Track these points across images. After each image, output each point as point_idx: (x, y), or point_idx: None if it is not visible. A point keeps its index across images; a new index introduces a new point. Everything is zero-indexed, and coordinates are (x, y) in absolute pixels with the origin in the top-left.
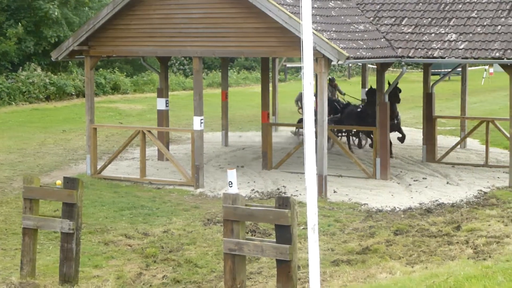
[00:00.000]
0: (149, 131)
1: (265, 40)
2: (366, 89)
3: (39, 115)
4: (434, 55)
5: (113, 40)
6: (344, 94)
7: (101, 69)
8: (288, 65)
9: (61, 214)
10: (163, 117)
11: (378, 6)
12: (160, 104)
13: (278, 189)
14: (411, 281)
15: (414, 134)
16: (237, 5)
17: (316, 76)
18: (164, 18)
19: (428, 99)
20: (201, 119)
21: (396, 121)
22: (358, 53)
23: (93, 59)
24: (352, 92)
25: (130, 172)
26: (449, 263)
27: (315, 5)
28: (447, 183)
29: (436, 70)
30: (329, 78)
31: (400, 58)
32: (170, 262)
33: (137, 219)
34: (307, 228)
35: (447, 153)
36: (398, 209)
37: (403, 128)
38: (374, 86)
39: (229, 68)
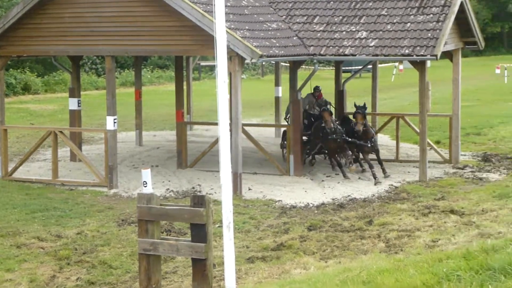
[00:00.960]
0: (61, 132)
1: (178, 38)
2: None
3: None
4: (346, 52)
5: (24, 40)
6: (330, 105)
7: (11, 69)
8: (202, 63)
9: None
10: (75, 117)
11: (290, 5)
12: (72, 104)
13: (193, 188)
14: (324, 276)
15: None
16: (149, 3)
17: (230, 74)
18: (75, 17)
19: (339, 96)
20: (114, 119)
21: (370, 144)
22: (271, 51)
23: (3, 59)
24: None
25: (42, 174)
26: (362, 257)
27: (228, 4)
28: (359, 178)
29: (348, 68)
30: (314, 87)
31: (312, 56)
32: (84, 264)
33: (49, 221)
34: (222, 226)
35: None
36: (311, 205)
37: None
38: (287, 84)
39: (142, 66)
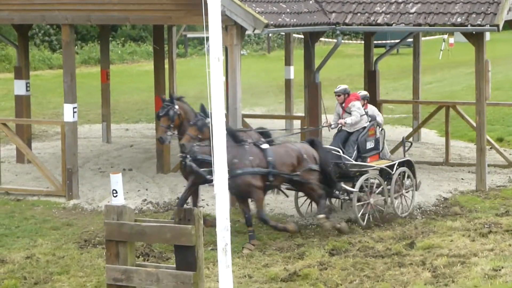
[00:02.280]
0: (4, 124)
1: (157, 2)
2: None
3: None
4: (378, 21)
5: None
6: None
7: None
8: (189, 35)
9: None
10: (22, 105)
11: None
12: (19, 87)
13: (178, 198)
14: None
15: None
16: None
17: (226, 50)
18: None
19: (370, 78)
20: (74, 108)
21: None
22: (280, 19)
23: None
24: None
25: None
26: None
27: None
28: None
29: (381, 41)
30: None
31: (334, 26)
32: None
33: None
34: (216, 249)
35: (396, 148)
36: (334, 220)
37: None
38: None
39: (110, 39)
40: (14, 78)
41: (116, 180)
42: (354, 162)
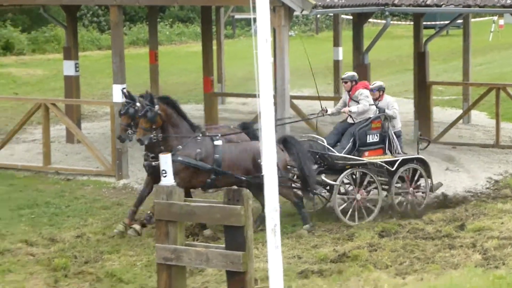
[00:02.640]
0: (54, 104)
1: None
2: None
3: None
4: (427, 2)
5: None
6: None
7: None
8: (237, 16)
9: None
10: (71, 85)
11: None
12: (68, 68)
13: None
14: None
15: (403, 106)
16: None
17: (274, 31)
18: None
19: (420, 60)
20: (123, 88)
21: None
22: (328, 0)
23: None
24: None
25: (29, 159)
26: (451, 272)
27: None
28: (447, 169)
29: (430, 23)
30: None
31: (383, 7)
32: (87, 277)
33: (41, 221)
34: (265, 230)
35: (446, 130)
36: (384, 203)
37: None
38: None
39: (158, 20)
40: (63, 59)
41: (166, 160)
42: (338, 154)
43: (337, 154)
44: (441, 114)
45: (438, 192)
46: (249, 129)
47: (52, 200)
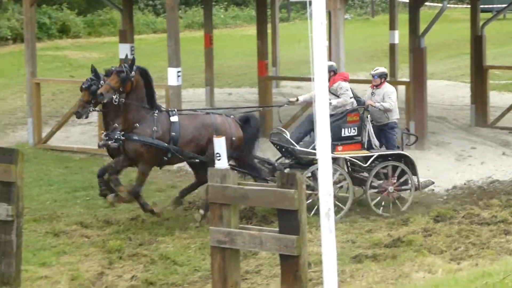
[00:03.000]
0: None
1: None
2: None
3: None
4: None
5: None
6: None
7: (44, 5)
8: None
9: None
10: None
11: None
12: (123, 51)
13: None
14: (456, 282)
15: (459, 90)
16: None
17: (329, 14)
18: None
19: (477, 44)
20: (178, 72)
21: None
22: None
23: None
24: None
25: (85, 141)
26: (506, 258)
27: None
28: (504, 154)
29: (487, 6)
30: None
31: None
32: (141, 259)
33: (96, 203)
34: (319, 214)
35: (503, 114)
36: (439, 188)
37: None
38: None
39: (214, 3)
40: (118, 42)
41: (220, 143)
42: (299, 149)
43: (298, 148)
44: (498, 98)
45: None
46: (250, 123)
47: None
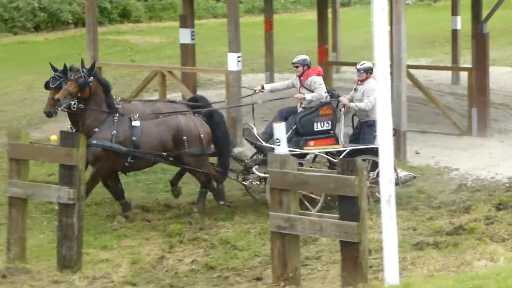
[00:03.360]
0: (170, 72)
1: None
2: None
3: (26, 51)
4: None
5: None
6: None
7: None
8: None
9: (58, 179)
10: (188, 53)
11: None
12: (184, 36)
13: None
14: None
15: None
16: None
17: None
18: None
19: None
20: (238, 57)
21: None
22: None
23: None
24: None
25: None
26: None
27: None
28: None
29: None
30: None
31: None
32: (201, 243)
33: (156, 187)
34: (380, 201)
35: None
36: (501, 176)
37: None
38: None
39: None
40: (179, 27)
41: (280, 129)
42: (264, 144)
43: (263, 144)
44: None
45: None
46: (214, 117)
47: (168, 166)
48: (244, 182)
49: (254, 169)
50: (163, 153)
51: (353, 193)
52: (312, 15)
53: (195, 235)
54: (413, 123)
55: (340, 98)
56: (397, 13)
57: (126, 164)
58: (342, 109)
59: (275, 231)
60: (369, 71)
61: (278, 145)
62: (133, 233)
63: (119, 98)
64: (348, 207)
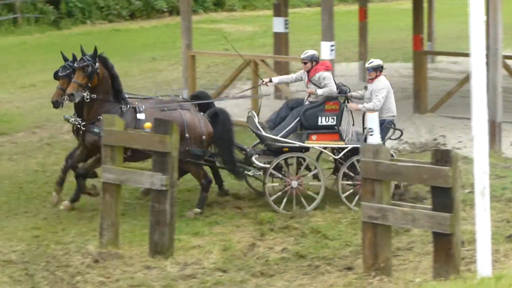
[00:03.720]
0: (263, 61)
1: None
2: None
3: (121, 38)
4: None
5: None
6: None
7: None
8: None
9: (151, 166)
10: (281, 42)
11: None
12: (278, 25)
13: (435, 139)
14: None
15: None
16: None
17: None
18: None
19: None
20: (331, 45)
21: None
22: None
23: None
24: None
25: (238, 114)
26: None
27: None
28: None
29: None
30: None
31: None
32: (292, 231)
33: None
34: (473, 192)
35: None
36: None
37: None
38: None
39: None
40: (273, 15)
41: (372, 118)
42: (265, 135)
43: (264, 134)
44: None
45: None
46: (201, 99)
47: None
48: (249, 173)
49: (253, 158)
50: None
51: (447, 184)
52: (407, 4)
53: (285, 224)
54: (509, 113)
55: (348, 104)
56: (493, 2)
57: (125, 155)
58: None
59: (366, 221)
60: (378, 69)
61: (371, 135)
62: (224, 220)
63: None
64: (442, 198)
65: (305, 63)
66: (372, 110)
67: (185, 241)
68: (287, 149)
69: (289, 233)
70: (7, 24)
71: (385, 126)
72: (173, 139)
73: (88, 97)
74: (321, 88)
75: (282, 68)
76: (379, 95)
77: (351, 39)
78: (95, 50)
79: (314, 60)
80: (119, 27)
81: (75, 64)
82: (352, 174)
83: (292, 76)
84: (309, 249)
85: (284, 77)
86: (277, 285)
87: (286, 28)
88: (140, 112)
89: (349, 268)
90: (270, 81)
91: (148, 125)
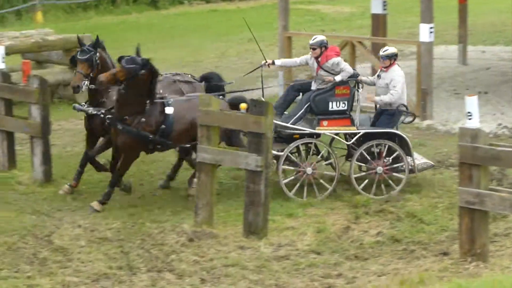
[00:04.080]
0: (360, 42)
1: None
2: None
3: (218, 18)
4: None
5: None
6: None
7: None
8: None
9: (246, 146)
10: (379, 23)
11: None
12: (376, 6)
13: None
14: None
15: None
16: None
17: None
18: None
19: None
20: (430, 28)
21: None
22: None
23: None
24: None
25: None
26: None
27: None
28: None
29: None
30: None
31: None
32: (387, 215)
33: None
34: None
35: None
36: None
37: None
38: None
39: None
40: None
41: (472, 102)
42: (275, 121)
43: (274, 121)
44: None
45: None
46: (211, 80)
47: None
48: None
49: None
50: (187, 145)
51: None
52: None
53: (381, 207)
54: None
55: (366, 97)
56: None
57: (151, 147)
58: (360, 90)
59: (463, 206)
60: (393, 58)
61: (470, 119)
62: (318, 202)
63: None
64: None
65: (314, 49)
66: (389, 103)
67: (279, 222)
68: (297, 135)
69: (384, 217)
70: (105, 4)
71: (398, 110)
72: (268, 120)
73: (122, 90)
74: (335, 74)
75: (379, 49)
76: (397, 86)
77: (451, 21)
78: (97, 39)
79: (323, 46)
80: (216, 8)
81: (121, 63)
82: (368, 158)
83: (296, 60)
84: (404, 233)
85: (287, 60)
86: (371, 268)
87: (385, 9)
88: (168, 106)
89: (445, 253)
90: (273, 63)
91: (243, 105)
